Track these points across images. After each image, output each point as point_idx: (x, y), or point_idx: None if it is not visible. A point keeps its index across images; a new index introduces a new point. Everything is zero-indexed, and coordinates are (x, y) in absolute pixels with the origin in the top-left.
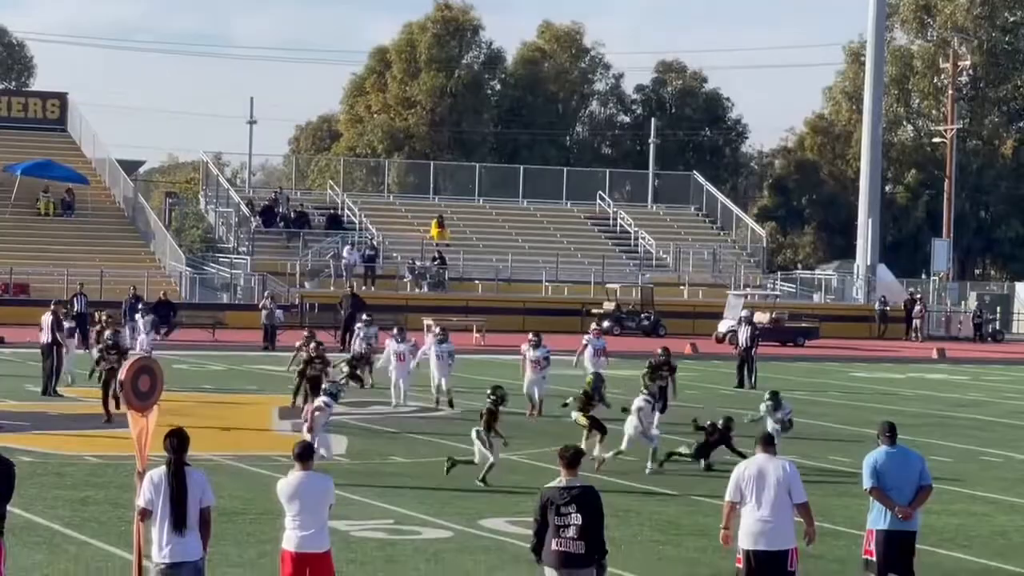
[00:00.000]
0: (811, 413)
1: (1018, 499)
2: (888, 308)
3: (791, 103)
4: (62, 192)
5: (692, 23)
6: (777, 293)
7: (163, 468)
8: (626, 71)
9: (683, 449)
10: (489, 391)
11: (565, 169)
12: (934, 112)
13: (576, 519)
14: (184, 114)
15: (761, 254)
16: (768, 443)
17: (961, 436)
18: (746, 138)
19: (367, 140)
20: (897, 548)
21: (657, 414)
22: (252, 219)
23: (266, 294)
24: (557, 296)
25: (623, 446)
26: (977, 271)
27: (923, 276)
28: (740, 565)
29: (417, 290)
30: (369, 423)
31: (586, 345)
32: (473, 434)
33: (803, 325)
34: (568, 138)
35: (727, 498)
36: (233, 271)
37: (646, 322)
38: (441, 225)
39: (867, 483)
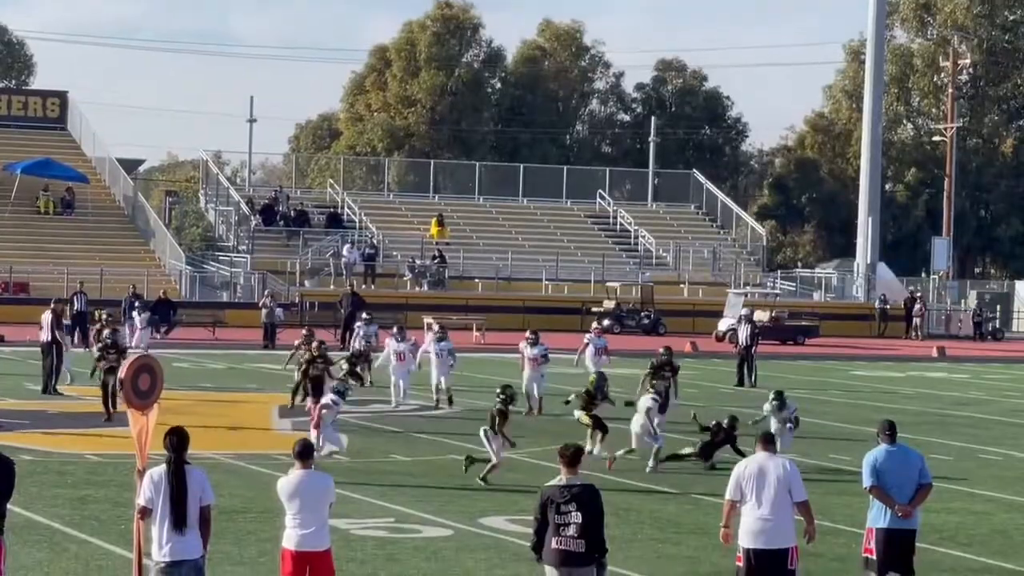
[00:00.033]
0: (811, 412)
1: (1018, 497)
2: (888, 307)
3: (791, 101)
4: (62, 191)
5: (692, 21)
6: (777, 292)
7: (163, 467)
8: (626, 70)
9: (687, 450)
10: (498, 391)
11: (565, 167)
12: (934, 111)
13: (576, 517)
14: (184, 113)
15: (761, 252)
16: (768, 442)
17: (961, 434)
18: (746, 136)
19: (367, 138)
20: (897, 546)
21: (661, 415)
22: (252, 218)
23: (266, 293)
24: (557, 295)
25: (633, 445)
26: (977, 270)
27: (923, 275)
28: (740, 563)
29: (417, 289)
30: (369, 422)
31: (587, 344)
32: (481, 433)
33: (803, 324)
34: (568, 137)
35: (727, 496)
36: (233, 270)
37: (646, 321)
38: (441, 224)
39: (867, 481)
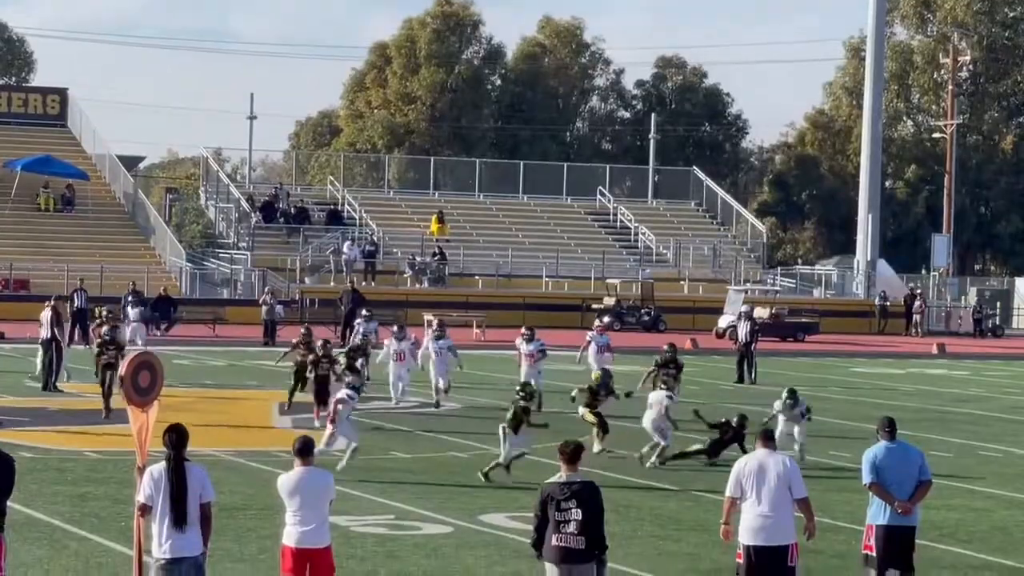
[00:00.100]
0: (811, 409)
1: (1018, 494)
2: (888, 303)
3: (791, 98)
4: (62, 188)
5: (692, 18)
6: (777, 288)
7: (163, 464)
8: (626, 66)
9: (695, 447)
10: (518, 388)
11: (565, 164)
12: (934, 107)
13: (576, 514)
14: (184, 110)
15: (761, 249)
16: (768, 438)
17: (961, 431)
18: (746, 133)
19: (367, 136)
20: (897, 543)
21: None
22: (252, 215)
23: (266, 290)
24: (557, 292)
25: (656, 440)
26: (977, 266)
27: (923, 271)
28: (740, 560)
29: (417, 286)
30: (369, 419)
31: (589, 342)
32: (500, 431)
33: (803, 320)
34: (568, 134)
35: (727, 493)
36: (233, 267)
37: (646, 317)
38: (441, 221)
39: (867, 478)
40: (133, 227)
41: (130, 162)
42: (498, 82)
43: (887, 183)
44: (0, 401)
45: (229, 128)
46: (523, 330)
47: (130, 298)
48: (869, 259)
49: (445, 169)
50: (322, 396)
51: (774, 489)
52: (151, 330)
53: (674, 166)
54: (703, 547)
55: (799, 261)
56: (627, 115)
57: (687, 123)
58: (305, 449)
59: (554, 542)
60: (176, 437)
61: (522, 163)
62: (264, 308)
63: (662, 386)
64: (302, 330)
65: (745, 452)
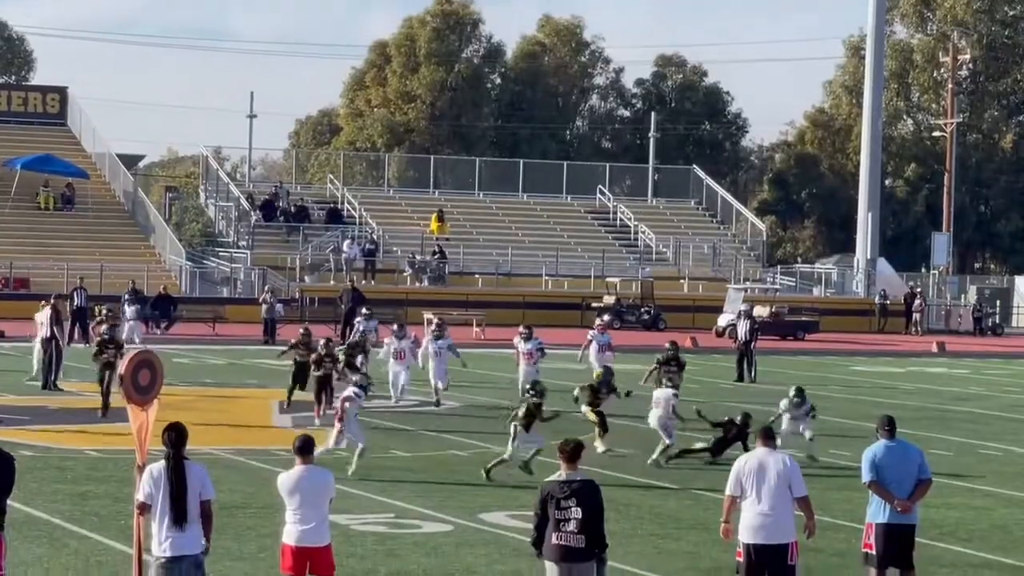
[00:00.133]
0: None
1: (1017, 492)
2: (888, 302)
3: (791, 97)
4: (62, 186)
5: (692, 17)
6: (777, 287)
7: (162, 463)
8: (626, 65)
9: (699, 445)
10: (528, 387)
11: (565, 163)
12: (934, 106)
13: (576, 513)
14: (184, 108)
15: (761, 248)
16: (768, 437)
17: (961, 430)
18: (746, 132)
19: (367, 134)
20: (897, 541)
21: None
22: (252, 213)
23: (266, 288)
24: (557, 290)
25: (666, 440)
26: (977, 265)
27: (923, 270)
28: (740, 559)
29: (417, 284)
30: (369, 417)
31: (591, 341)
32: (511, 428)
33: (803, 319)
34: (568, 132)
35: (727, 492)
36: (233, 265)
37: (646, 316)
38: (441, 219)
39: (866, 477)
40: (133, 226)
41: (130, 161)
42: (498, 81)
43: (887, 182)
44: (0, 399)
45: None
46: (521, 329)
47: (126, 296)
48: (869, 258)
49: (445, 168)
50: (323, 395)
51: (774, 488)
52: (151, 328)
53: (674, 165)
54: (703, 545)
55: (799, 260)
56: (627, 114)
57: (687, 122)
58: (305, 447)
59: (554, 540)
60: (175, 436)
61: (522, 162)
62: (264, 307)
63: (668, 383)
64: (301, 330)
65: (748, 451)
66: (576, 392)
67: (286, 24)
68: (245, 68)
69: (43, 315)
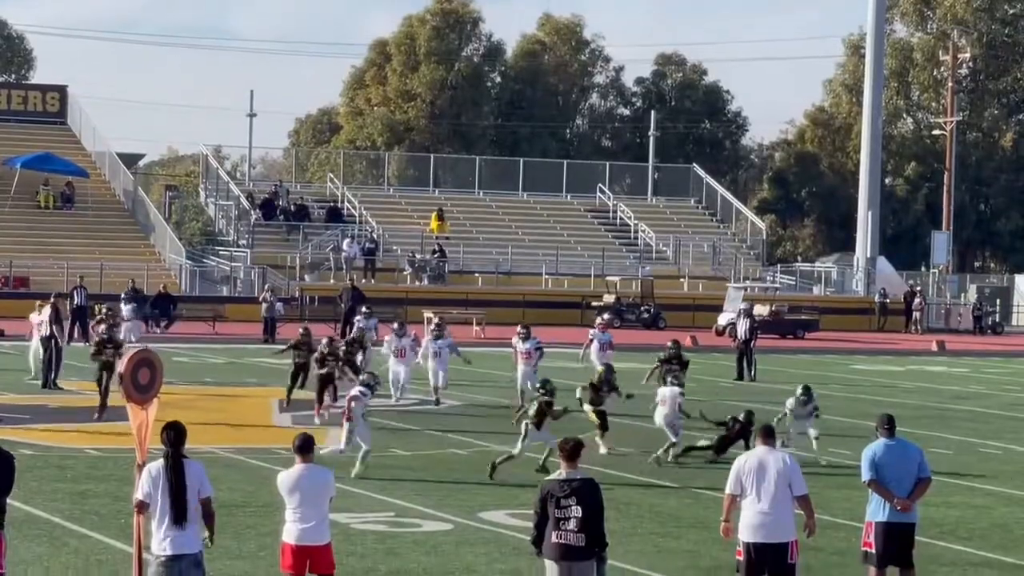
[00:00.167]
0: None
1: (1018, 491)
2: (888, 301)
3: (791, 96)
4: (62, 185)
5: (692, 16)
6: (777, 286)
7: (160, 461)
8: (626, 64)
9: (703, 443)
10: (539, 385)
11: (565, 162)
12: (934, 104)
13: (576, 511)
14: (184, 107)
15: (761, 247)
16: (768, 435)
17: (960, 428)
18: (746, 131)
19: (367, 133)
20: (896, 540)
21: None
22: (252, 212)
23: (266, 287)
24: (557, 289)
25: (672, 438)
26: (977, 264)
27: (923, 269)
28: (740, 557)
29: (417, 283)
30: (368, 416)
31: (592, 340)
32: (522, 426)
33: (803, 318)
34: (568, 131)
35: (727, 491)
36: (233, 264)
37: (646, 315)
38: (441, 218)
39: (866, 475)
40: (133, 224)
41: (130, 159)
42: (498, 79)
43: (887, 180)
44: (0, 398)
45: (229, 125)
46: (519, 328)
47: (123, 296)
48: (869, 256)
49: (445, 166)
50: (325, 394)
51: (774, 486)
52: (151, 327)
53: (674, 163)
54: (703, 544)
55: (799, 258)
56: (627, 112)
57: (687, 120)
58: (305, 446)
59: (554, 539)
60: (174, 434)
61: (522, 160)
62: (264, 306)
63: (673, 381)
64: (300, 330)
65: (750, 449)
66: (579, 394)
67: (286, 23)
68: (245, 67)
69: (37, 315)
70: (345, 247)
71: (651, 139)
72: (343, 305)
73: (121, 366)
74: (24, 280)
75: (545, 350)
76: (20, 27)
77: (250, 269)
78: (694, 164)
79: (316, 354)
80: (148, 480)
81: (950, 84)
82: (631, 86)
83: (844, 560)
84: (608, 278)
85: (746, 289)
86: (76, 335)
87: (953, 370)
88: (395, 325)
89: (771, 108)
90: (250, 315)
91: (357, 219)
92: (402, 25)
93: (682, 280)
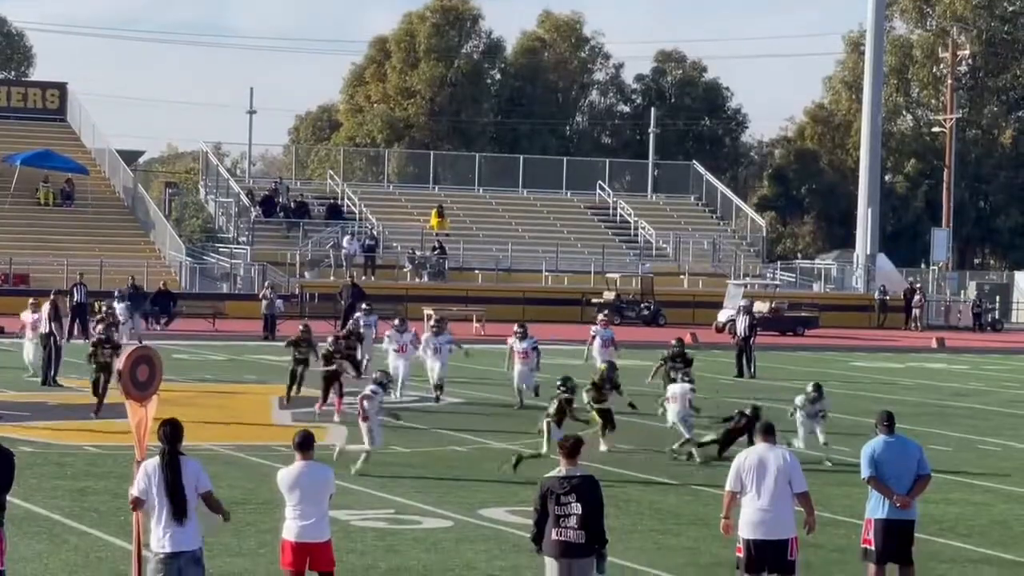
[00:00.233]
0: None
1: (1017, 488)
2: (888, 298)
3: (791, 93)
4: (62, 182)
5: (692, 13)
6: (777, 283)
7: (157, 459)
8: (626, 61)
9: (708, 437)
10: (559, 382)
11: (565, 159)
12: (933, 102)
13: (576, 508)
14: (184, 104)
15: (761, 244)
16: (768, 433)
17: (960, 425)
18: (746, 128)
19: (367, 130)
20: (896, 537)
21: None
22: (252, 209)
23: (266, 284)
24: (557, 286)
25: (685, 434)
26: (976, 260)
27: (923, 266)
28: (740, 554)
29: (417, 280)
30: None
31: (594, 337)
32: (543, 424)
33: (803, 315)
34: (568, 128)
35: (727, 487)
36: (233, 261)
37: (646, 312)
38: (441, 215)
39: (865, 472)
40: (133, 221)
41: (130, 156)
42: (498, 76)
43: (886, 177)
44: (0, 395)
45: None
46: (515, 328)
47: (116, 292)
48: (869, 253)
49: (445, 163)
50: (330, 391)
51: (774, 483)
52: (151, 324)
53: (674, 160)
54: (703, 541)
55: (799, 255)
56: (627, 109)
57: (687, 117)
58: (305, 443)
59: (554, 536)
60: (171, 431)
61: (522, 157)
62: (264, 302)
63: (684, 378)
64: (300, 327)
65: (753, 444)
66: (585, 397)
67: (286, 20)
68: (245, 64)
69: (28, 314)
70: (345, 244)
71: (651, 136)
72: (343, 302)
73: (120, 363)
74: (24, 277)
75: (543, 348)
76: (20, 24)
77: (250, 266)
78: (694, 161)
79: (322, 352)
80: (144, 477)
81: (950, 81)
82: (631, 83)
83: (844, 557)
84: (608, 275)
85: (746, 286)
86: (76, 332)
87: (953, 367)
88: (396, 322)
89: (771, 105)
90: (250, 312)
91: (357, 216)
92: (402, 22)
93: (682, 277)
